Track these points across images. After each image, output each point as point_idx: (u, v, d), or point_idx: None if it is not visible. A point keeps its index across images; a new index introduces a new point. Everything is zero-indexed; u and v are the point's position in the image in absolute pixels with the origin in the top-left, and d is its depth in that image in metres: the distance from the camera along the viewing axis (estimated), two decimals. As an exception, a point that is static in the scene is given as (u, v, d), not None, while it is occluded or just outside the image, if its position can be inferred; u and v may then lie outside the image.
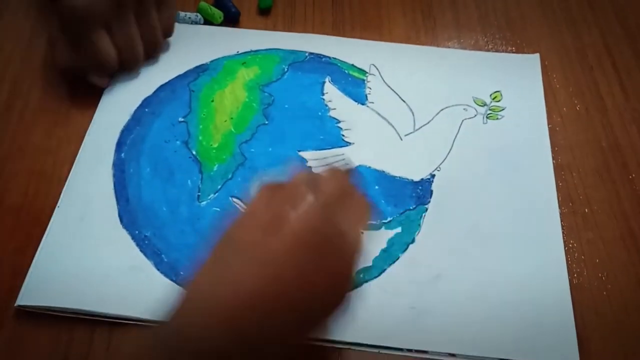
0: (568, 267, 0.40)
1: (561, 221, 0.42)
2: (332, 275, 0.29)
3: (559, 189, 0.44)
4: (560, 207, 0.43)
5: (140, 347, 0.29)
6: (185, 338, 0.27)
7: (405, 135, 0.47)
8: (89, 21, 0.43)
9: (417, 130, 0.47)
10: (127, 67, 0.48)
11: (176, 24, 0.53)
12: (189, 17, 0.53)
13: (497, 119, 0.48)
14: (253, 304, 0.26)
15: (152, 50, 0.50)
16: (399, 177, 0.45)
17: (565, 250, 0.41)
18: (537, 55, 0.52)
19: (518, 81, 0.50)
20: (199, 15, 0.54)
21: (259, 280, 0.27)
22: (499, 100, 0.49)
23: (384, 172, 0.45)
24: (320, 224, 0.28)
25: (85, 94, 0.48)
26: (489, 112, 0.48)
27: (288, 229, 0.28)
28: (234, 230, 0.29)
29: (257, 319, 0.27)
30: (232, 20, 0.54)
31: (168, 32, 0.50)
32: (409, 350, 0.37)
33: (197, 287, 0.28)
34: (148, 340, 0.28)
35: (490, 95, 0.49)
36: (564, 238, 0.42)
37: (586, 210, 0.44)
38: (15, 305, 0.37)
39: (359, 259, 0.30)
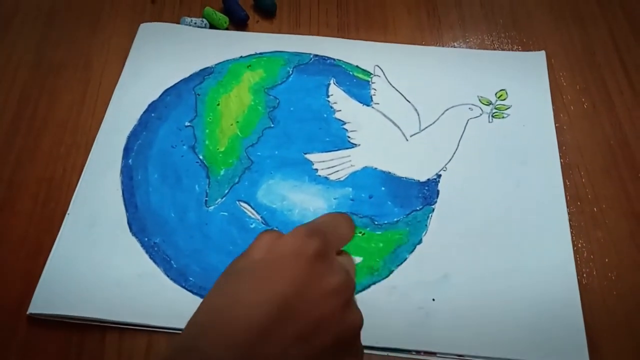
0: (577, 267, 0.40)
1: (569, 221, 0.42)
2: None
3: (566, 188, 0.44)
4: (568, 206, 0.43)
5: None
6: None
7: (411, 135, 0.47)
8: None
9: (422, 130, 0.47)
10: None
11: (182, 27, 0.53)
12: (195, 22, 0.54)
13: (503, 117, 0.48)
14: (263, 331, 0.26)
15: None
16: (405, 177, 0.45)
17: (574, 250, 0.41)
18: (542, 53, 0.52)
19: (524, 79, 0.50)
20: (205, 21, 0.54)
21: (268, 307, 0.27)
22: (504, 99, 0.49)
23: (390, 173, 0.45)
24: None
25: (93, 99, 0.49)
26: (494, 111, 0.48)
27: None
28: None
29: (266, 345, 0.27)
30: (240, 23, 0.54)
31: None
32: (418, 352, 0.37)
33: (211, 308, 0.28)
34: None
35: (496, 94, 0.49)
36: (572, 238, 0.41)
37: (595, 209, 0.43)
38: (27, 313, 0.38)
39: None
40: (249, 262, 0.29)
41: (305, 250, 0.29)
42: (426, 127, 0.47)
